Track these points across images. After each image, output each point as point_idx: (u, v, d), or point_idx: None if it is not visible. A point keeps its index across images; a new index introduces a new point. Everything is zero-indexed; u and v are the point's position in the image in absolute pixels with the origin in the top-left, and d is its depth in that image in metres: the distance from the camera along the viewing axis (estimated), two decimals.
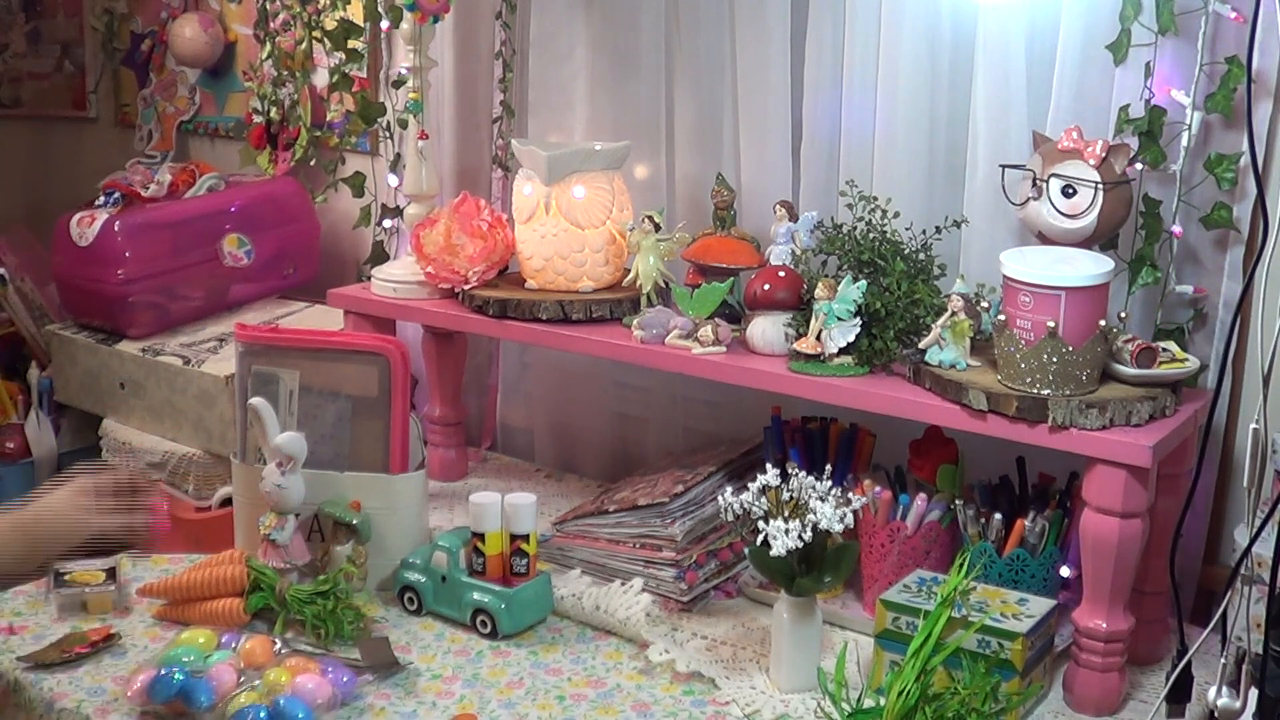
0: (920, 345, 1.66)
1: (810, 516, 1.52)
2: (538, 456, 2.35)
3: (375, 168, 2.43)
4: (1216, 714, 1.34)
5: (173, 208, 2.37)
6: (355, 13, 2.37)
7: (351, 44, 2.38)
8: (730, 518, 1.59)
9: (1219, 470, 1.73)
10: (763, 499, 1.56)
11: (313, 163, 2.55)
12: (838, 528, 1.53)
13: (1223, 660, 1.35)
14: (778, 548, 1.51)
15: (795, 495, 1.55)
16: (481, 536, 1.70)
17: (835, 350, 1.69)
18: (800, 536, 1.51)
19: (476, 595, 1.69)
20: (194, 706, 1.48)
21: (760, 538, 1.54)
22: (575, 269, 1.94)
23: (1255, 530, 1.35)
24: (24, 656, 1.61)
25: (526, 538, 1.70)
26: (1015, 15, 1.75)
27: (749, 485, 1.58)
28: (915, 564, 1.69)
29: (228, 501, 1.82)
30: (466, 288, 1.97)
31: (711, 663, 1.64)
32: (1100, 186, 1.60)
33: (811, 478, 1.57)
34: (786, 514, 1.54)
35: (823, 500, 1.54)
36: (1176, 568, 1.48)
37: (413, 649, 1.67)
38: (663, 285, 1.89)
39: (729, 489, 1.61)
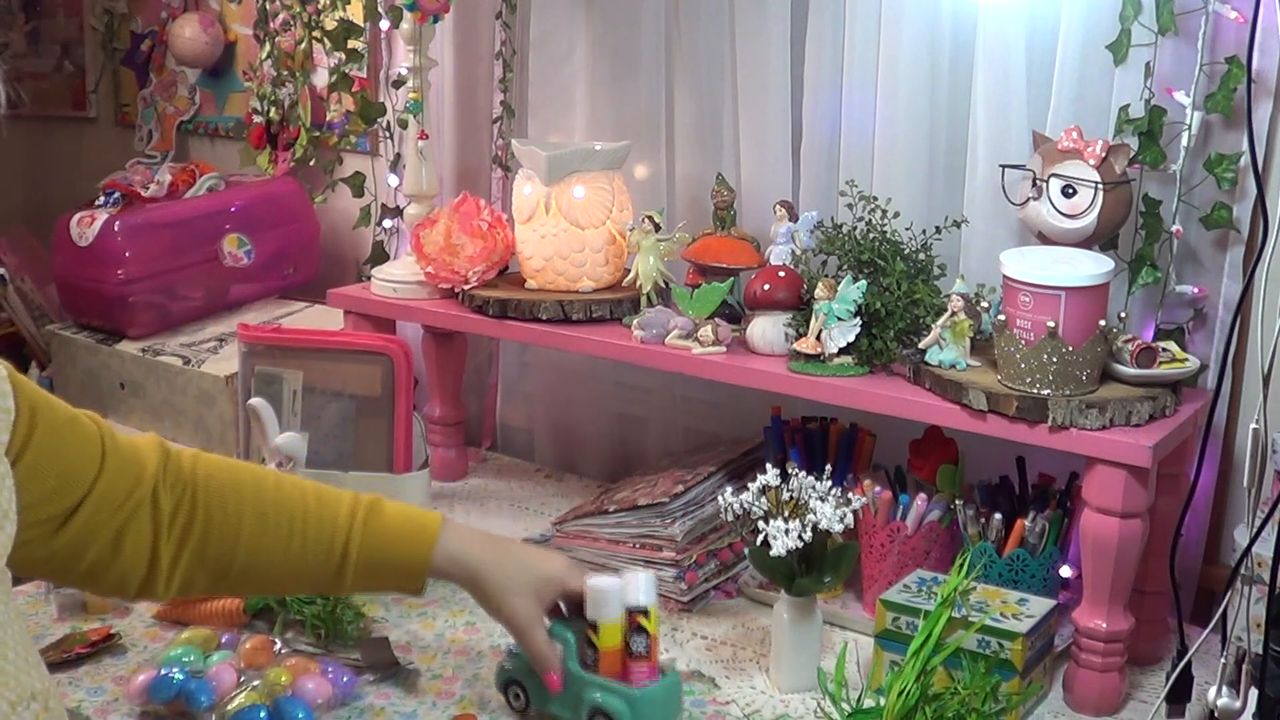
0: (920, 345, 1.66)
1: (810, 516, 1.52)
2: (538, 456, 2.35)
3: (375, 168, 2.43)
4: (1216, 714, 1.34)
5: (173, 208, 2.37)
6: (355, 13, 2.37)
7: (351, 44, 2.38)
8: (730, 518, 1.59)
9: (1219, 470, 1.73)
10: (763, 499, 1.56)
11: (312, 163, 2.55)
12: (838, 528, 1.53)
13: (1223, 660, 1.35)
14: (778, 548, 1.51)
15: (795, 495, 1.55)
16: (594, 626, 1.45)
17: (835, 350, 1.69)
18: (800, 536, 1.52)
19: (596, 694, 1.44)
20: (194, 706, 1.48)
21: (760, 538, 1.54)
22: (575, 269, 1.94)
23: (1255, 530, 1.36)
24: None
25: (646, 613, 1.46)
26: (1015, 15, 1.75)
27: (749, 485, 1.58)
28: (915, 564, 1.69)
29: None
30: (466, 288, 1.97)
31: (711, 663, 1.64)
32: (1100, 186, 1.60)
33: (811, 478, 1.57)
34: (786, 514, 1.54)
35: (823, 500, 1.54)
36: (1176, 568, 1.48)
37: (413, 649, 1.67)
38: (663, 285, 1.89)
39: (729, 489, 1.61)
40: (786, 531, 1.51)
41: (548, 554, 1.54)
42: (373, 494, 1.42)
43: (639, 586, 1.45)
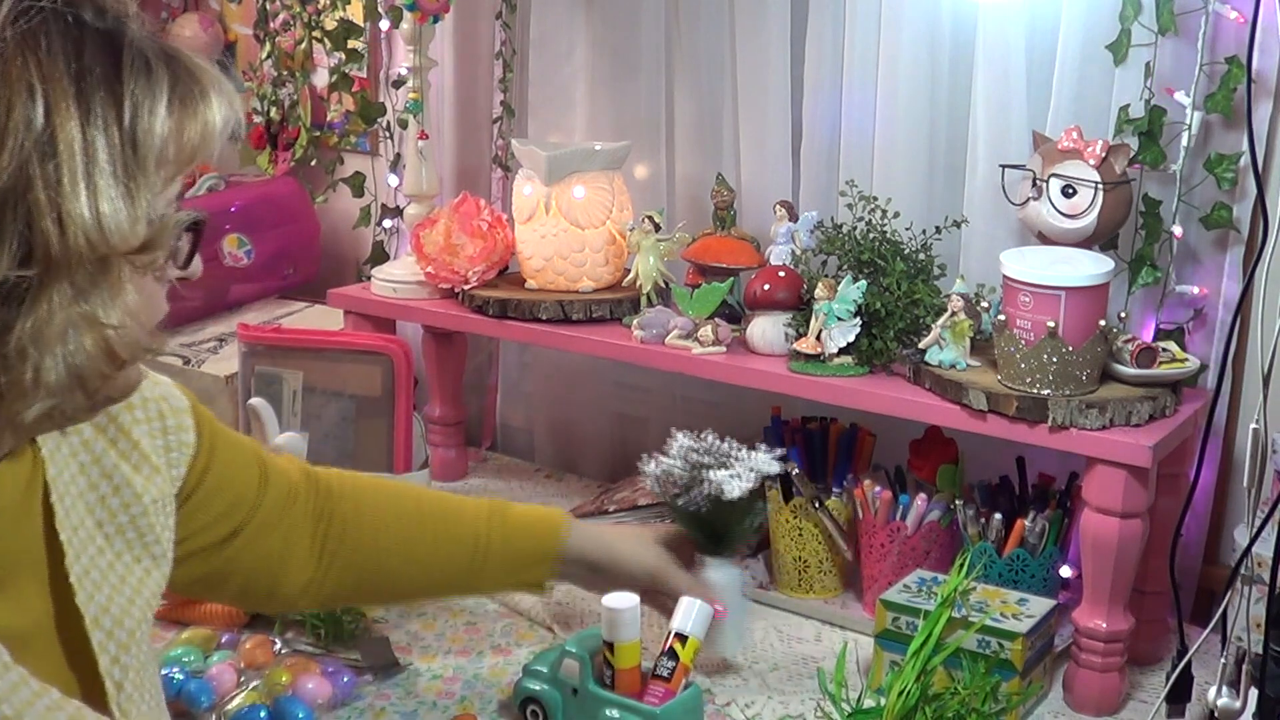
0: (920, 345, 1.66)
1: (716, 475, 1.52)
2: (538, 456, 2.35)
3: (375, 168, 2.43)
4: (1216, 714, 1.34)
5: None
6: (355, 13, 2.37)
7: (351, 44, 2.38)
8: (653, 485, 1.58)
9: (1219, 470, 1.73)
10: (682, 461, 1.56)
11: (313, 163, 2.55)
12: (736, 492, 1.52)
13: (1223, 660, 1.35)
14: (732, 491, 1.49)
15: (712, 456, 1.56)
16: (611, 646, 1.44)
17: (835, 350, 1.69)
18: (745, 479, 1.51)
19: (614, 713, 1.42)
20: (194, 706, 1.48)
21: (711, 487, 1.51)
22: (575, 269, 1.94)
23: (1255, 530, 1.36)
24: None
25: (684, 640, 1.44)
26: (1015, 15, 1.75)
27: (666, 454, 1.57)
28: (915, 564, 1.69)
29: None
30: (466, 288, 1.97)
31: (712, 663, 1.64)
32: (1100, 186, 1.60)
33: (716, 440, 1.57)
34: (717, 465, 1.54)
35: (726, 466, 1.54)
36: (1176, 568, 1.48)
37: (413, 649, 1.67)
38: (663, 285, 1.89)
39: (653, 462, 1.59)
40: (733, 476, 1.51)
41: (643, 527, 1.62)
42: (496, 499, 1.45)
43: (692, 614, 1.44)
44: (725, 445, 1.57)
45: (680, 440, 1.58)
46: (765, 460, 1.55)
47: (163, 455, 1.10)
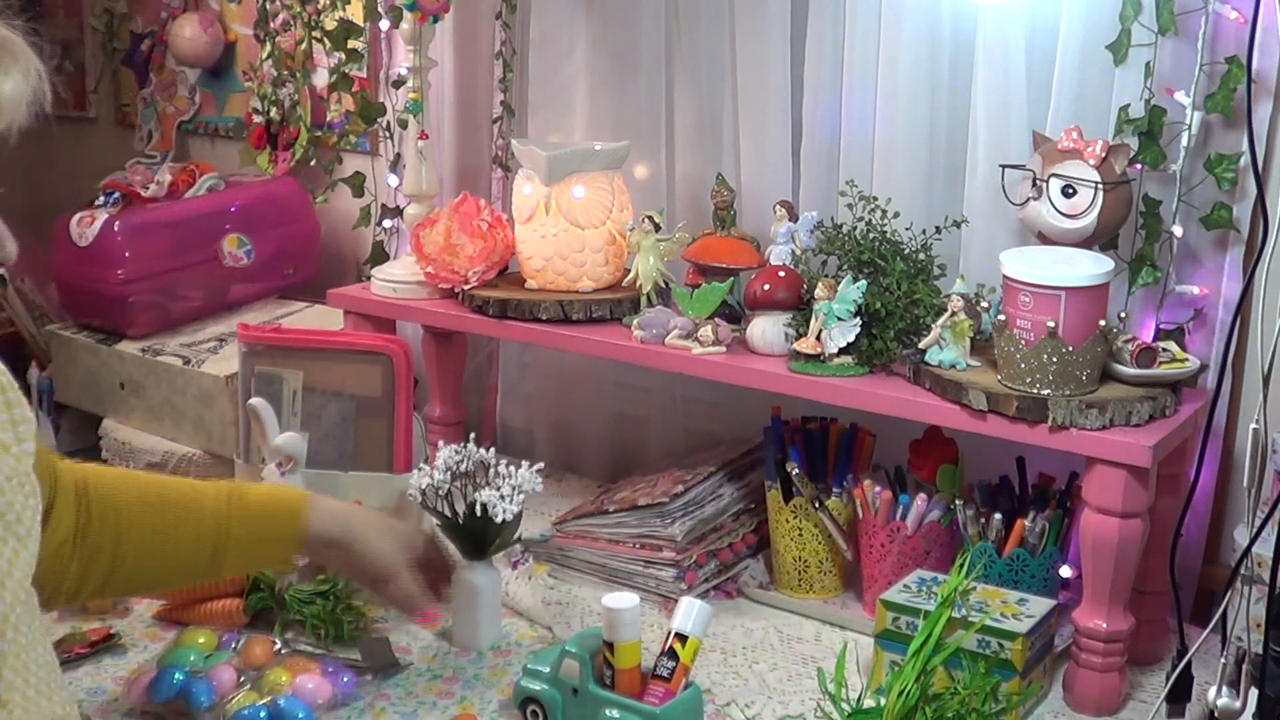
0: (920, 345, 1.66)
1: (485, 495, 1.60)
2: (538, 456, 2.33)
3: (375, 168, 2.43)
4: (1216, 714, 1.35)
5: (173, 208, 2.37)
6: (355, 13, 2.37)
7: (351, 44, 2.38)
8: (417, 496, 1.64)
9: (1219, 470, 1.73)
10: (445, 473, 1.62)
11: (313, 163, 2.55)
12: (505, 516, 1.60)
13: (1223, 660, 1.35)
14: (498, 514, 1.58)
15: (474, 467, 1.64)
16: (611, 646, 1.45)
17: (835, 350, 1.69)
18: (514, 500, 1.60)
19: (614, 713, 1.42)
20: (194, 706, 1.48)
21: (477, 508, 1.59)
22: (575, 269, 1.94)
23: (1255, 530, 1.36)
24: None
25: (684, 640, 1.45)
26: (1015, 15, 1.75)
27: (435, 468, 1.64)
28: (915, 564, 1.69)
29: None
30: (466, 288, 1.97)
31: (711, 663, 1.64)
32: (1100, 186, 1.60)
33: (478, 450, 1.65)
34: (488, 484, 1.61)
35: (489, 482, 1.61)
36: (1176, 568, 1.48)
37: (413, 649, 1.67)
38: (663, 285, 1.89)
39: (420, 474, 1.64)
40: (502, 497, 1.59)
41: (396, 518, 1.65)
42: (234, 481, 1.50)
43: (692, 614, 1.45)
44: (486, 455, 1.65)
45: (444, 451, 1.65)
46: (530, 478, 1.63)
47: (9, 430, 1.07)
